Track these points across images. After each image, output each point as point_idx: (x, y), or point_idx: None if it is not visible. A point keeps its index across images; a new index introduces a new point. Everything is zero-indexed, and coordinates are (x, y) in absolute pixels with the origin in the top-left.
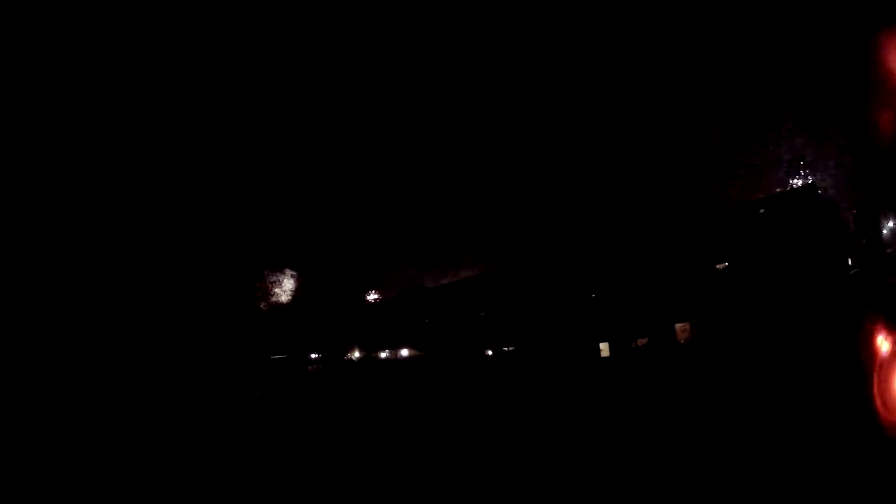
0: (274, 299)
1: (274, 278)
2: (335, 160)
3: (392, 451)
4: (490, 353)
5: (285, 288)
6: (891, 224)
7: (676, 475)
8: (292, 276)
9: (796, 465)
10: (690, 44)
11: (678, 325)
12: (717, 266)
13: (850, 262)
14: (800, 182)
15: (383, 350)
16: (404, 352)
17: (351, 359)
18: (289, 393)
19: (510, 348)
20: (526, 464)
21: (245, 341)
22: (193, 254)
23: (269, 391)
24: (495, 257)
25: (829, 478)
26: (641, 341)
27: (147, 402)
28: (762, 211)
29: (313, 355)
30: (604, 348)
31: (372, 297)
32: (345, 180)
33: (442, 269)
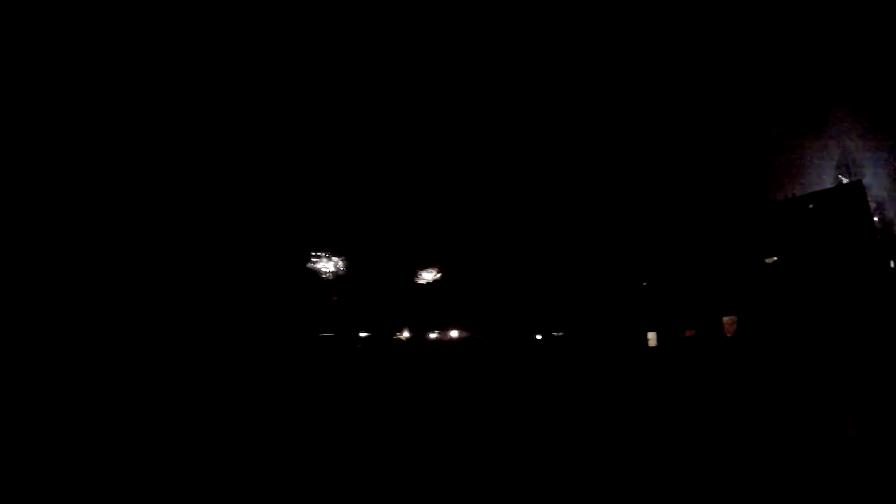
0: (324, 278)
1: (324, 258)
2: (386, 141)
3: (435, 431)
4: (539, 337)
5: (335, 267)
6: None
7: (719, 469)
8: (343, 255)
9: (838, 459)
10: (749, 43)
11: (725, 319)
12: (766, 260)
13: (892, 265)
14: (847, 180)
15: (433, 331)
16: (454, 333)
17: (400, 338)
18: (334, 371)
19: (560, 333)
20: (568, 452)
21: (295, 319)
22: (241, 234)
23: (316, 369)
24: (549, 242)
25: (872, 473)
26: (689, 333)
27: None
28: (811, 206)
29: (362, 334)
30: (651, 338)
31: (424, 277)
32: (397, 162)
33: (495, 251)
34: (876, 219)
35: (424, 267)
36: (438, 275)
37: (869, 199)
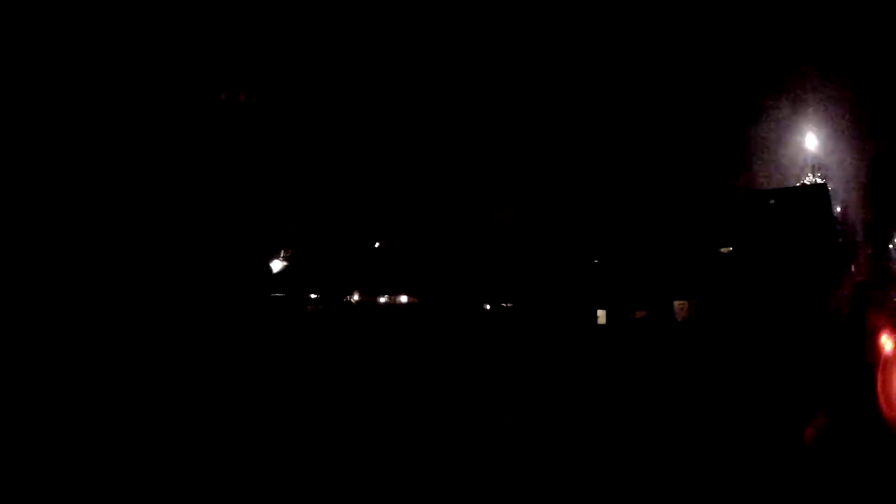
0: (276, 238)
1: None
2: (349, 106)
3: (382, 399)
4: (488, 307)
5: (288, 227)
6: None
7: (657, 452)
8: (296, 215)
9: (787, 457)
10: (728, 42)
11: (677, 303)
12: (722, 250)
13: (853, 269)
14: (814, 181)
15: (382, 295)
16: (403, 298)
17: (350, 301)
18: (286, 333)
19: (508, 304)
20: (509, 420)
21: (247, 279)
22: (195, 193)
23: (268, 329)
24: (505, 213)
25: (825, 471)
26: (640, 314)
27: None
28: (772, 202)
29: (312, 296)
30: (601, 315)
31: (376, 241)
32: (356, 126)
33: (453, 217)
34: (836, 222)
35: (378, 232)
36: (392, 240)
37: (834, 203)
